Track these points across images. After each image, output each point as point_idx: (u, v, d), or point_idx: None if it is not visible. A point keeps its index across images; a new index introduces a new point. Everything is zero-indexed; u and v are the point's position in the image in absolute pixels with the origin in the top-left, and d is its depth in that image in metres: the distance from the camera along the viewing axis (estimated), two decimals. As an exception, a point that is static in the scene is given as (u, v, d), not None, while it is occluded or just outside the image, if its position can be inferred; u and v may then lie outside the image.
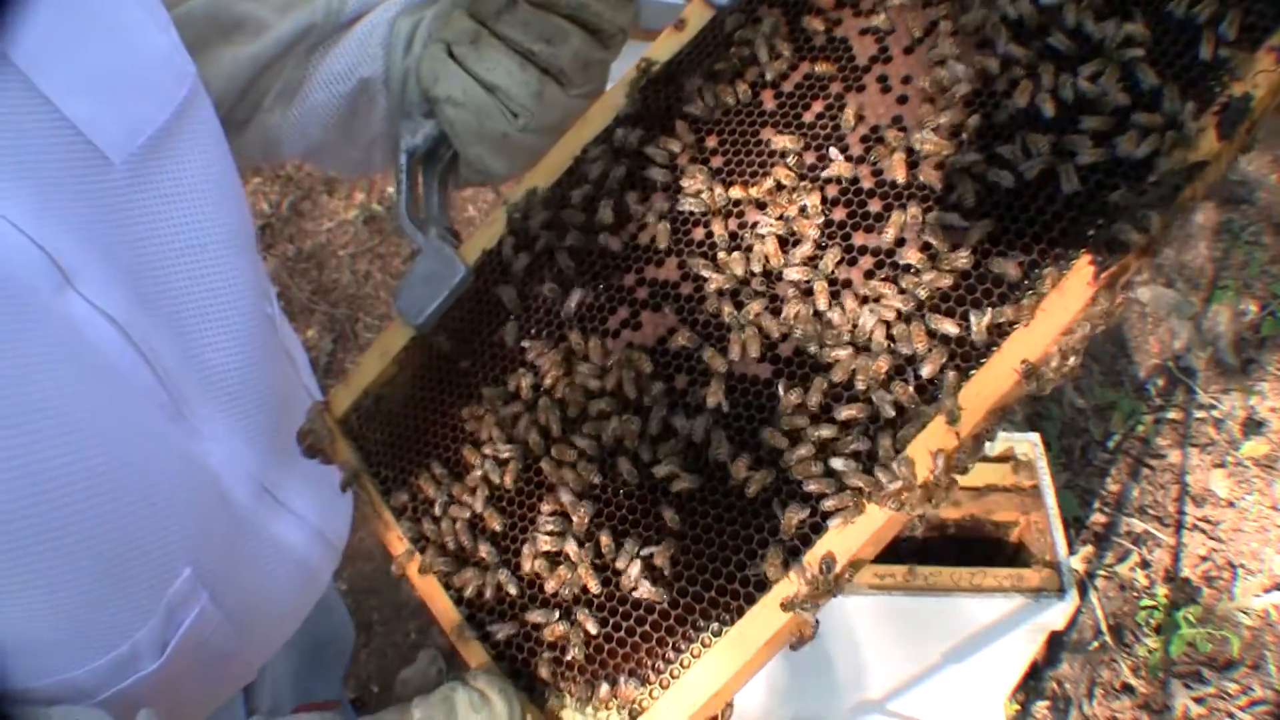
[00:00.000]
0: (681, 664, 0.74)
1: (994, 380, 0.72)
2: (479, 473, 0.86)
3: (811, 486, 0.73)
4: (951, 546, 1.96)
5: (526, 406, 0.86)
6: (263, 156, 1.07)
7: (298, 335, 1.24)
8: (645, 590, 0.76)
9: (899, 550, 1.96)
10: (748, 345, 0.79)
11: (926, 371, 0.74)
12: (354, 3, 0.98)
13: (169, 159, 0.81)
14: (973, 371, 0.73)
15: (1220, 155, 0.70)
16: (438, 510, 0.87)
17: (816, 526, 0.73)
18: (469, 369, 0.91)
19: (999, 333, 0.73)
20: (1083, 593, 2.46)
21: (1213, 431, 2.72)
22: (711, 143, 0.88)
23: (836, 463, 0.73)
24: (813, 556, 0.72)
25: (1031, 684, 2.34)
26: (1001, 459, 1.92)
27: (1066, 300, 0.71)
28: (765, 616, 0.73)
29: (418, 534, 0.88)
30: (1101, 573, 2.51)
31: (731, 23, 0.90)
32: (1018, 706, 2.32)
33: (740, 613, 0.73)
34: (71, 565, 0.76)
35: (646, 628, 0.76)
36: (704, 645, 0.74)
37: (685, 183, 0.86)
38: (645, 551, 0.77)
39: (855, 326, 0.77)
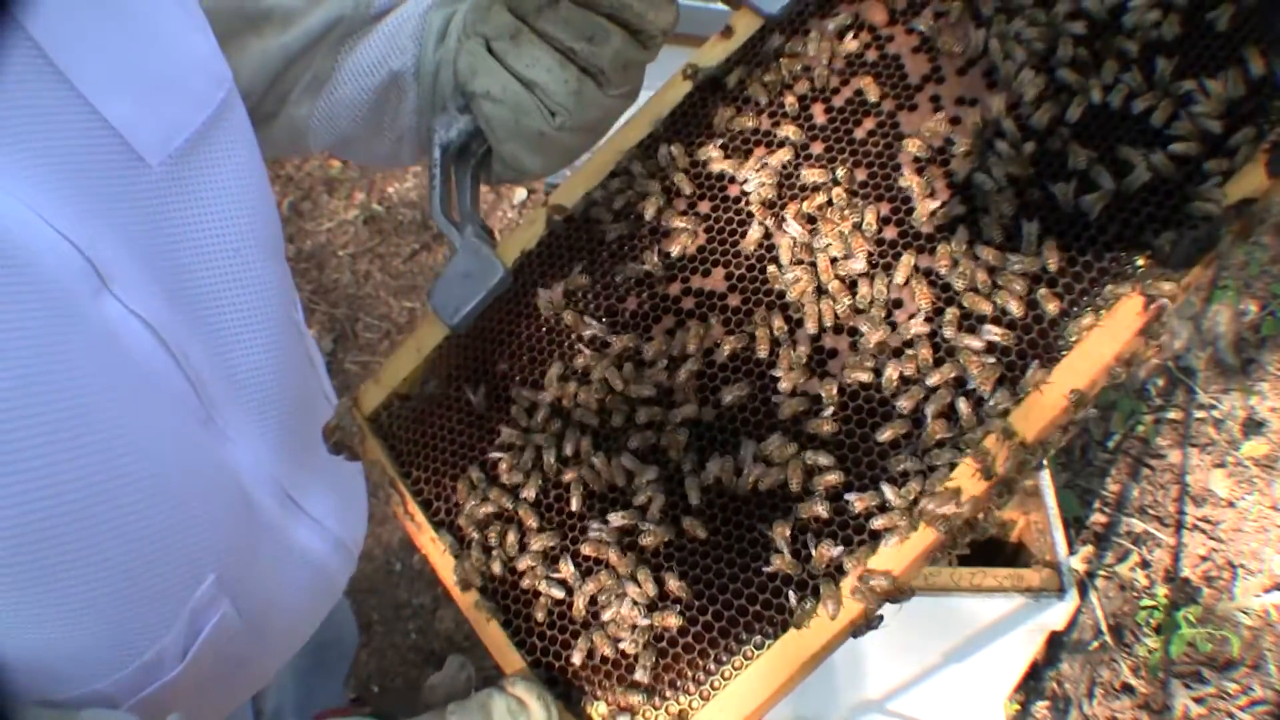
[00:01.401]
0: (723, 675, 0.74)
1: (1043, 407, 0.73)
2: (518, 478, 0.85)
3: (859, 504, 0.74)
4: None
5: (560, 413, 0.86)
6: (290, 148, 1.07)
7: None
8: (671, 619, 0.76)
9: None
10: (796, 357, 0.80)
11: (984, 387, 0.74)
12: None
13: (204, 163, 0.81)
14: (1024, 395, 0.73)
15: (1268, 192, 0.70)
16: (472, 513, 0.87)
17: (846, 553, 0.74)
18: (506, 371, 0.90)
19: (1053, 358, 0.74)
20: (1083, 593, 2.46)
21: (1213, 431, 2.72)
22: (760, 154, 0.88)
23: (885, 487, 0.74)
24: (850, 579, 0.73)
25: (1031, 684, 2.34)
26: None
27: (1116, 331, 0.72)
28: (809, 631, 0.73)
29: (456, 540, 0.87)
30: (1101, 573, 2.51)
31: (780, 36, 0.91)
32: (1018, 706, 2.32)
33: (784, 627, 0.74)
34: (105, 572, 0.75)
35: (689, 639, 0.76)
36: (746, 659, 0.74)
37: (738, 189, 0.87)
38: (679, 568, 0.77)
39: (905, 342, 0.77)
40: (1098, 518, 2.60)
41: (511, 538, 0.84)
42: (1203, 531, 2.57)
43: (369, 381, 0.97)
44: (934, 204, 0.80)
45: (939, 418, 0.74)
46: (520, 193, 3.18)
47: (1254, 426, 2.72)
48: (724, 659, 0.74)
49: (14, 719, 0.71)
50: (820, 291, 0.81)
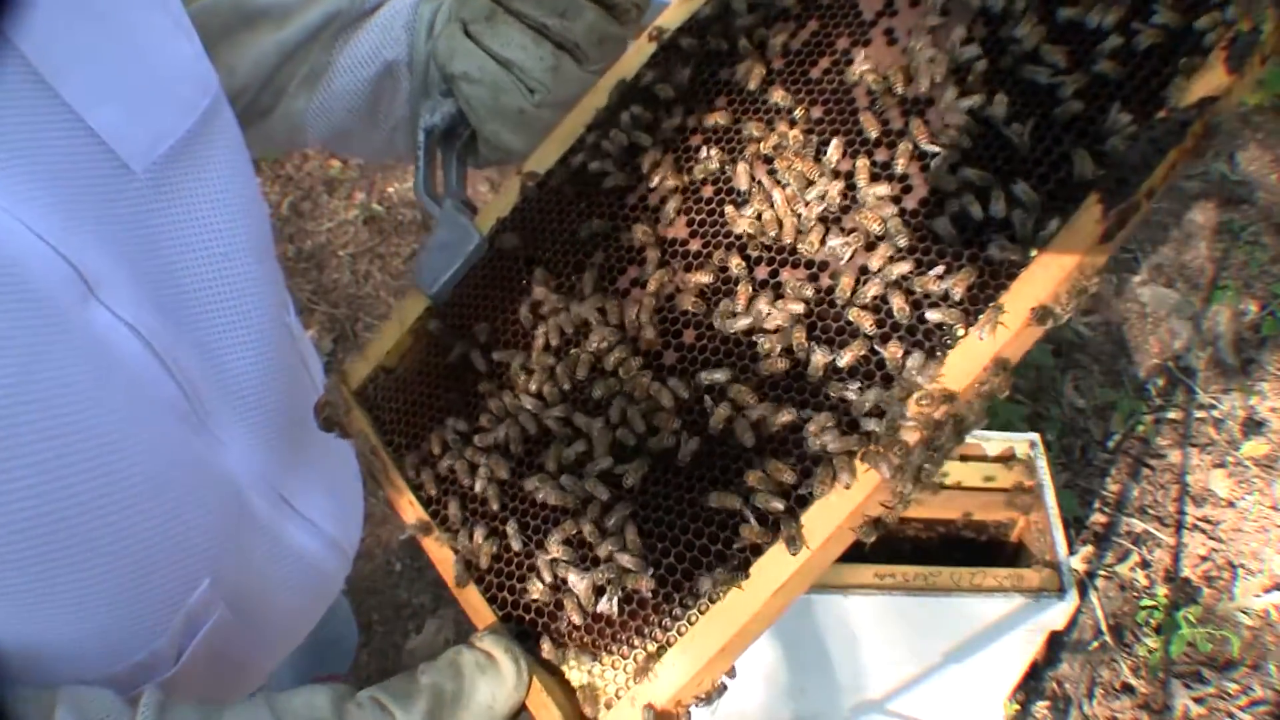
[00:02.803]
0: (689, 620, 0.73)
1: (1009, 320, 0.71)
2: (492, 437, 0.85)
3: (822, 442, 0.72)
4: (951, 546, 1.96)
5: (537, 371, 0.86)
6: (287, 143, 1.07)
7: (299, 337, 1.24)
8: (628, 559, 0.75)
9: (899, 550, 1.97)
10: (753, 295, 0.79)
11: (955, 291, 0.72)
12: None
13: (191, 168, 0.81)
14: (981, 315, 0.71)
15: (1230, 90, 0.68)
16: (447, 470, 0.87)
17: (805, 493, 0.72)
18: (483, 333, 0.90)
19: (1007, 274, 0.71)
20: (1083, 593, 2.46)
21: (1213, 431, 2.72)
22: (721, 103, 0.87)
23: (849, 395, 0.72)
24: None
25: (1031, 684, 2.34)
26: (1001, 459, 1.92)
27: (1076, 239, 0.69)
28: (770, 569, 0.71)
29: (429, 499, 0.87)
30: (1101, 573, 2.51)
31: None
32: (1018, 706, 2.32)
33: (743, 570, 0.72)
34: (97, 578, 0.75)
35: (654, 589, 0.75)
36: (711, 602, 0.73)
37: (699, 146, 0.86)
38: (633, 522, 0.76)
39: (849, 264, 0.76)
40: (1098, 518, 2.60)
41: (480, 486, 0.84)
42: (1203, 531, 2.57)
43: (355, 356, 0.97)
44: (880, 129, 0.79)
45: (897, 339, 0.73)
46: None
47: (1254, 426, 2.72)
48: (689, 604, 0.73)
49: None
50: (780, 225, 0.80)
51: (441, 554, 0.86)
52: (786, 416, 0.74)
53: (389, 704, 0.70)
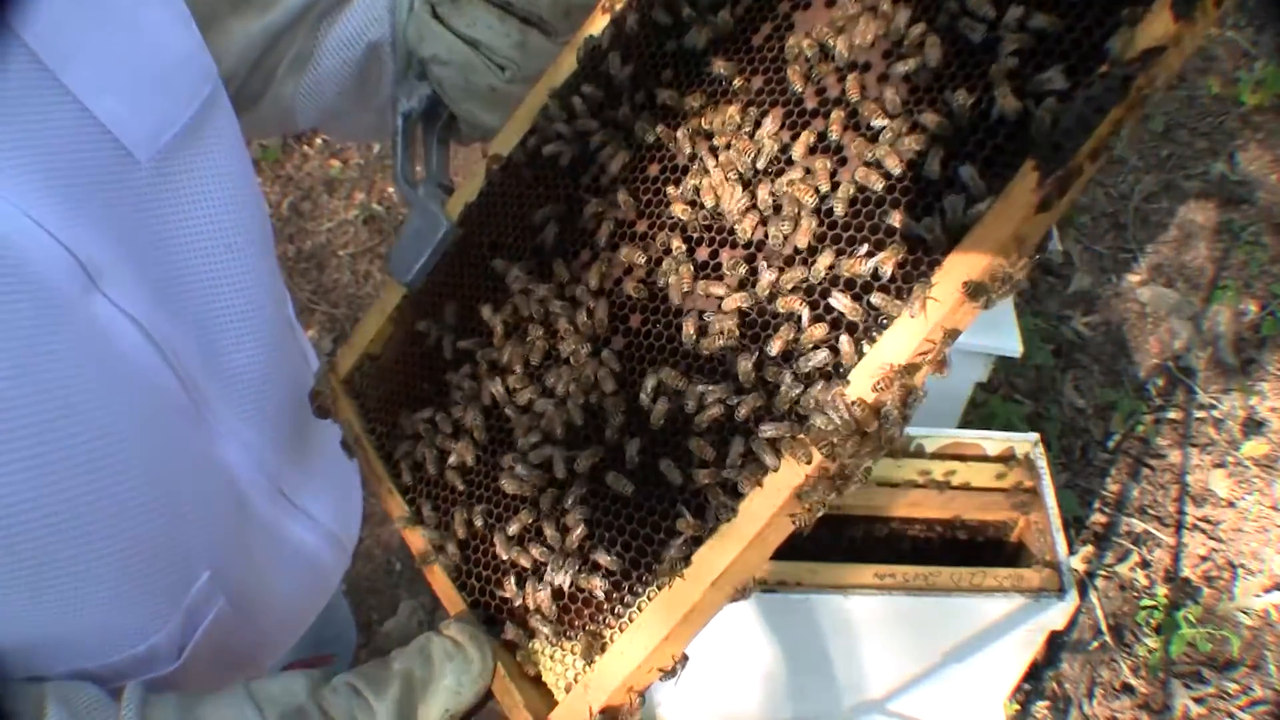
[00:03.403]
0: (639, 607, 0.75)
1: (940, 296, 0.66)
2: (458, 423, 0.86)
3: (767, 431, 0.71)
4: (951, 546, 1.96)
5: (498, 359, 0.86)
6: (278, 127, 1.07)
7: (298, 335, 1.24)
8: (601, 557, 0.77)
9: (899, 550, 1.97)
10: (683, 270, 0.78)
11: (884, 269, 0.68)
12: None
13: (192, 158, 0.81)
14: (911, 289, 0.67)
15: (1179, 38, 0.61)
16: (420, 459, 0.88)
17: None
18: (452, 317, 0.91)
19: (939, 251, 0.67)
20: (1083, 593, 2.46)
21: (1213, 431, 2.72)
22: (667, 75, 0.85)
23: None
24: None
25: (1031, 684, 2.34)
26: (1002, 459, 1.92)
27: (1011, 209, 0.64)
28: (709, 559, 0.72)
29: (405, 487, 0.89)
30: (1101, 573, 2.51)
31: None
32: (1018, 706, 2.32)
33: (684, 562, 0.73)
34: (96, 570, 0.76)
35: (603, 580, 0.77)
36: (657, 589, 0.74)
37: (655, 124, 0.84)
38: (591, 515, 0.78)
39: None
40: (1098, 518, 2.60)
41: (450, 475, 0.86)
42: (1203, 531, 2.57)
43: (344, 344, 0.98)
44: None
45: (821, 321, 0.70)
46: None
47: (1254, 426, 2.72)
48: (639, 590, 0.75)
49: None
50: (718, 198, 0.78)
51: (418, 541, 0.87)
52: (715, 409, 0.73)
53: (363, 689, 0.73)
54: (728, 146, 0.79)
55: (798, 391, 0.70)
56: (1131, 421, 2.73)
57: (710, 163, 0.79)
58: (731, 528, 0.72)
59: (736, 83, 0.80)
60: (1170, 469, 2.66)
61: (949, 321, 0.67)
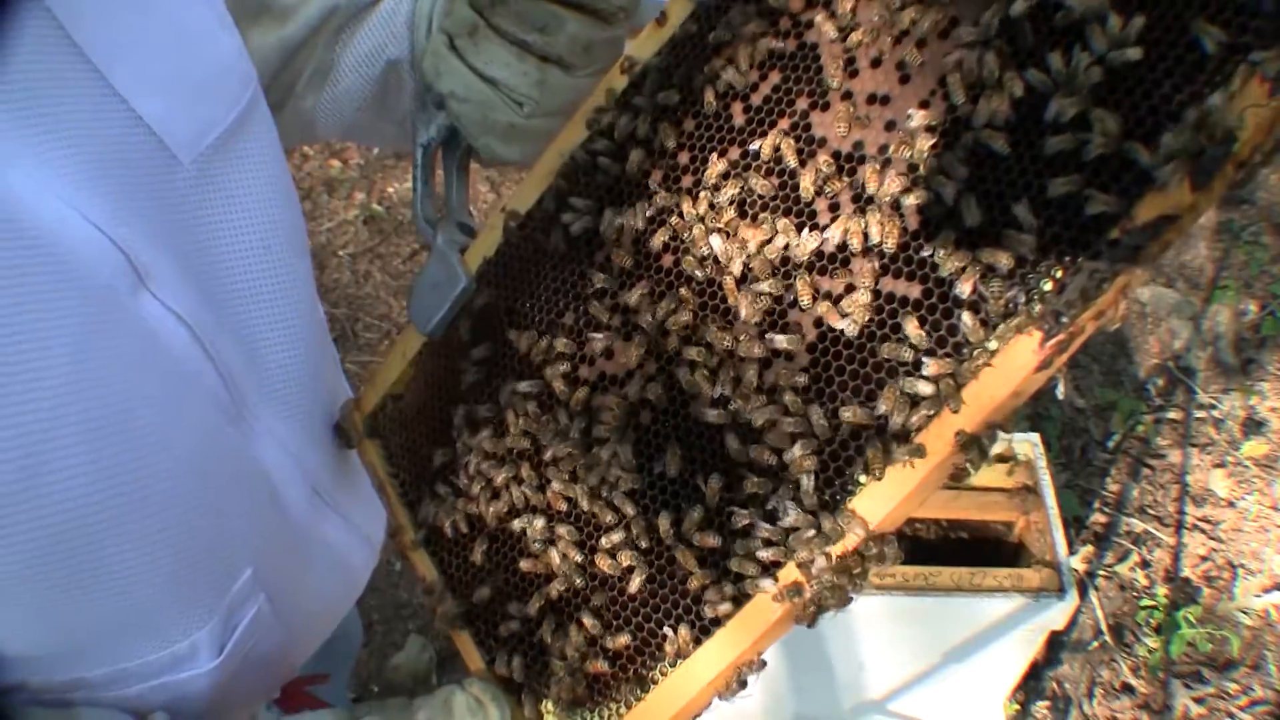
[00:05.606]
0: (661, 671, 0.78)
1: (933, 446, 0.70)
2: (490, 480, 0.88)
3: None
4: (951, 546, 1.96)
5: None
6: (299, 138, 1.08)
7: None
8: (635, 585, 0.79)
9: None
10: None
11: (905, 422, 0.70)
12: None
13: (233, 160, 0.81)
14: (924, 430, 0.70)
15: (1194, 207, 0.59)
16: (441, 517, 0.90)
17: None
18: (479, 378, 0.91)
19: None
20: (1083, 593, 2.46)
21: (1213, 431, 2.72)
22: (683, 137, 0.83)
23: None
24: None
25: (1031, 684, 2.35)
26: (1001, 459, 1.92)
27: (1008, 369, 0.66)
28: (750, 619, 0.78)
29: (427, 539, 0.92)
30: (1101, 573, 2.51)
31: (713, 24, 0.83)
32: (1018, 706, 2.33)
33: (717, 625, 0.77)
34: (144, 566, 0.76)
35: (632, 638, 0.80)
36: (680, 656, 0.77)
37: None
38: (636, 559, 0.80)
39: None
40: (1098, 518, 2.60)
41: (473, 539, 0.90)
42: (1203, 531, 2.57)
43: (366, 384, 0.99)
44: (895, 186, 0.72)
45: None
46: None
47: (1254, 426, 2.72)
48: (661, 655, 0.78)
49: (13, 718, 0.71)
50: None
51: (446, 606, 0.91)
52: (712, 539, 0.77)
53: None
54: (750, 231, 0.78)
55: (790, 519, 0.76)
56: (1131, 421, 2.73)
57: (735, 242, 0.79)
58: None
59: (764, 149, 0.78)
60: (1170, 469, 2.66)
61: (935, 473, 0.71)
